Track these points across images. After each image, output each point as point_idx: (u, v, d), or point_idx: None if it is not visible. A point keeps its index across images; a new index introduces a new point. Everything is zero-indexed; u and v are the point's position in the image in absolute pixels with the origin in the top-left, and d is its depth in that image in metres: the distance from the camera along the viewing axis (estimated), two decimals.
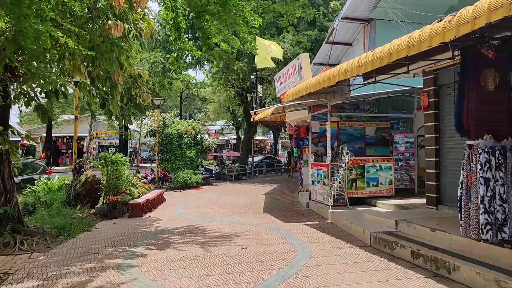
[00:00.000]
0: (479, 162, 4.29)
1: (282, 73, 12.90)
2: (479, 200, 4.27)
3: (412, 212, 8.11)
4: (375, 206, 10.04)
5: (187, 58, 25.32)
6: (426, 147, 8.69)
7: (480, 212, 4.23)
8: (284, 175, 25.83)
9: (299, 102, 10.07)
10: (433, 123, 8.40)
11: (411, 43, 5.02)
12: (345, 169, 9.98)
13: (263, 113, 12.50)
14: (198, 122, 22.83)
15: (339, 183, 9.89)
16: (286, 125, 17.65)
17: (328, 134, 10.48)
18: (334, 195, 9.79)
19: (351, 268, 5.57)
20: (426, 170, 8.62)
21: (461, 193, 4.53)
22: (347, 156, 10.02)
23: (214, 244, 7.29)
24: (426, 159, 8.62)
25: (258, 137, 47.86)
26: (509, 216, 4.28)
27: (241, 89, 25.37)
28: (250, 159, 28.34)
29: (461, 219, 4.59)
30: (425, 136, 8.69)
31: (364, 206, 10.22)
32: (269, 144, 52.65)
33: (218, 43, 8.02)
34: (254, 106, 16.43)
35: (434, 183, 8.32)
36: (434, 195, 8.30)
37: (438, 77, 8.32)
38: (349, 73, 7.02)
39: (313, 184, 11.50)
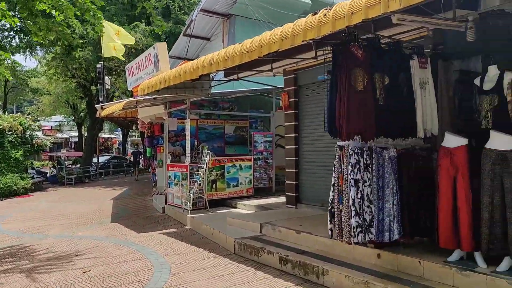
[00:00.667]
0: (350, 164, 4.26)
1: (134, 64, 11.68)
2: (350, 202, 4.23)
3: (274, 212, 8.10)
4: (236, 207, 9.84)
5: (14, 40, 21.32)
6: (286, 147, 8.83)
7: (352, 215, 4.20)
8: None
9: (155, 96, 9.15)
10: (293, 123, 8.57)
11: (285, 36, 4.77)
12: (205, 170, 9.49)
13: (112, 108, 11.09)
14: (27, 117, 19.46)
15: (199, 185, 9.36)
16: (138, 122, 16.29)
17: (187, 133, 9.84)
18: (193, 198, 9.21)
19: (218, 283, 5.06)
20: (286, 170, 8.76)
21: (333, 196, 4.45)
22: (208, 156, 9.56)
23: (46, 269, 5.88)
24: (286, 158, 8.77)
25: (104, 134, 43.96)
26: (375, 217, 4.37)
27: (84, 80, 22.66)
28: (95, 159, 25.64)
29: (330, 223, 4.52)
30: (285, 135, 8.83)
31: (225, 208, 9.92)
32: (117, 142, 49.00)
33: (48, 11, 6.42)
34: (101, 99, 14.64)
35: (294, 182, 8.50)
36: (294, 194, 8.48)
37: (298, 77, 8.52)
38: (215, 66, 6.48)
39: (169, 187, 10.71)
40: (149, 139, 14.90)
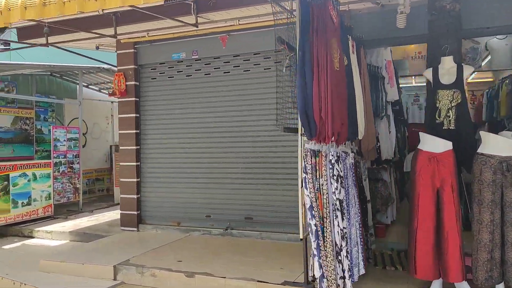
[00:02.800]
0: (332, 177, 2.92)
1: None
2: (337, 236, 2.89)
3: (113, 242, 5.80)
4: (33, 236, 6.79)
5: None
6: (121, 147, 6.57)
7: (343, 255, 2.87)
8: None
9: None
10: (133, 115, 6.42)
11: None
12: None
13: None
14: None
15: None
16: None
17: None
18: None
19: None
20: (121, 179, 6.52)
21: (316, 225, 2.97)
22: None
23: None
24: (122, 163, 6.52)
25: None
26: (349, 249, 3.17)
27: None
28: None
29: (316, 267, 3.03)
30: (120, 131, 6.56)
31: (12, 239, 6.70)
32: None
33: None
34: None
35: (134, 196, 6.38)
36: (134, 213, 6.36)
37: (140, 53, 6.44)
38: (16, 13, 3.83)
39: None
40: None
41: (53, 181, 7.80)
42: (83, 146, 9.63)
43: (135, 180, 6.38)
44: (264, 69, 5.59)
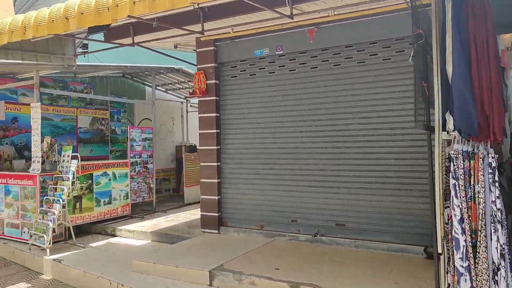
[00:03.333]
0: (493, 184, 2.50)
1: None
2: (496, 253, 2.47)
3: (197, 244, 5.69)
4: (115, 235, 6.88)
5: None
6: (200, 147, 6.47)
7: (502, 275, 2.46)
8: None
9: None
10: (213, 114, 6.29)
11: None
12: (73, 183, 6.21)
13: None
14: None
15: (64, 207, 6.05)
16: None
17: (37, 125, 6.35)
18: (54, 229, 5.86)
19: None
20: (202, 180, 6.41)
21: (466, 240, 2.58)
22: (76, 161, 6.29)
23: None
24: (202, 163, 6.42)
25: None
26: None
27: None
28: None
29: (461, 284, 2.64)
30: (200, 131, 6.45)
31: (96, 236, 6.84)
32: None
33: None
34: None
35: (214, 198, 6.24)
36: (216, 214, 6.22)
37: (220, 50, 6.29)
38: (114, 11, 3.73)
39: None
40: None
41: (130, 181, 7.89)
42: None
43: (215, 180, 6.24)
44: (357, 62, 5.22)
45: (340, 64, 5.34)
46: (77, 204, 6.84)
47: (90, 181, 7.07)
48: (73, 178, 6.20)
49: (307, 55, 5.59)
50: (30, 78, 7.48)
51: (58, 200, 6.00)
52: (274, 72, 5.87)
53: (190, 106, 12.05)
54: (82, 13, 3.80)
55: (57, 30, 4.01)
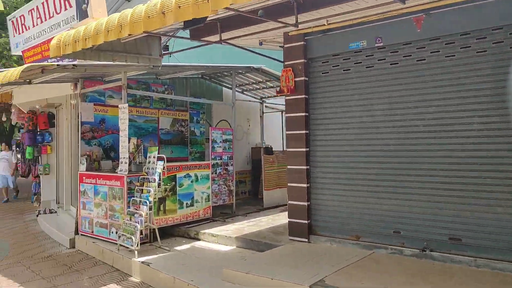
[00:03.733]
0: None
1: (29, 10, 7.50)
2: None
3: (288, 254, 5.32)
4: (198, 238, 6.74)
5: None
6: (289, 149, 6.11)
7: None
8: None
9: (75, 63, 5.55)
10: (302, 114, 5.90)
11: None
12: (159, 185, 6.16)
13: None
14: None
15: (150, 209, 6.01)
16: (12, 110, 11.61)
17: (124, 126, 6.40)
18: (141, 230, 5.83)
19: None
20: (290, 184, 6.04)
21: None
22: (162, 163, 6.24)
23: None
24: (290, 166, 6.05)
25: None
26: None
27: None
28: None
29: None
30: (288, 132, 6.09)
31: (178, 239, 6.76)
32: None
33: None
34: None
35: (305, 203, 5.83)
36: (305, 222, 5.81)
37: (310, 45, 5.89)
38: (205, 6, 3.43)
39: (84, 209, 7.05)
40: (30, 135, 10.59)
41: (211, 183, 7.76)
42: None
43: (304, 185, 5.84)
44: (477, 52, 4.53)
45: (454, 55, 4.68)
46: (161, 206, 6.81)
47: (173, 182, 7.02)
48: (159, 179, 6.14)
49: (412, 46, 4.99)
50: (116, 80, 7.65)
51: (145, 201, 5.98)
52: (373, 66, 5.34)
53: (266, 107, 11.80)
54: (179, 7, 3.60)
55: (153, 26, 3.87)
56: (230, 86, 10.69)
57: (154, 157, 6.35)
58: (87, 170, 7.13)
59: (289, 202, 6.02)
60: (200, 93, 10.15)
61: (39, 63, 5.94)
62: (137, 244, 5.72)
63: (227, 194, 8.30)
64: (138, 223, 5.81)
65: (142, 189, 6.18)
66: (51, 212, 9.88)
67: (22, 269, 6.07)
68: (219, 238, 6.46)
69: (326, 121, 5.80)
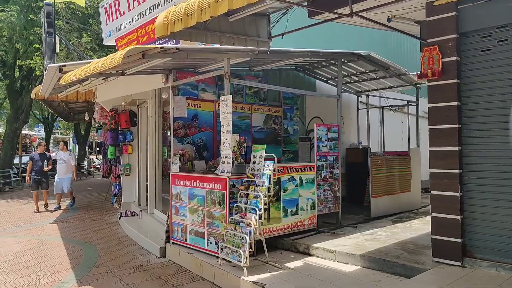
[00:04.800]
0: None
1: None
2: None
3: (436, 281, 4.22)
4: (310, 254, 5.80)
5: None
6: (432, 148, 4.97)
7: None
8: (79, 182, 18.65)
9: (178, 46, 4.89)
10: (452, 103, 4.75)
11: None
12: (269, 190, 5.32)
13: (83, 70, 5.98)
14: None
15: (260, 218, 5.18)
16: (95, 109, 11.55)
17: (227, 120, 5.68)
18: (250, 244, 5.01)
19: None
20: (433, 192, 4.91)
21: None
22: (272, 163, 5.39)
23: None
24: (432, 170, 4.92)
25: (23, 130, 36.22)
26: None
27: (5, 54, 16.88)
28: (16, 160, 19.89)
29: None
30: (431, 127, 4.97)
31: (287, 254, 5.84)
32: (37, 140, 41.25)
33: None
34: (46, 60, 9.61)
35: (456, 217, 4.67)
36: (457, 240, 4.64)
37: (464, 16, 4.72)
38: None
39: (177, 214, 6.41)
40: (113, 134, 10.34)
41: (316, 188, 6.81)
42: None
43: (456, 194, 4.68)
44: None
45: None
46: (265, 214, 5.98)
47: (277, 186, 6.16)
48: (269, 183, 5.30)
49: None
50: (209, 71, 7.00)
51: (253, 209, 5.16)
52: None
53: (360, 102, 10.65)
54: None
55: None
56: (324, 79, 9.75)
57: (261, 156, 5.53)
58: (180, 171, 6.51)
59: (433, 214, 4.89)
60: (294, 86, 9.26)
61: (141, 46, 5.36)
62: (246, 260, 4.91)
63: (333, 201, 7.29)
64: (247, 234, 5.00)
65: (248, 194, 5.39)
66: (133, 215, 9.54)
67: (115, 280, 5.53)
68: (337, 255, 5.47)
69: (486, 112, 4.60)
